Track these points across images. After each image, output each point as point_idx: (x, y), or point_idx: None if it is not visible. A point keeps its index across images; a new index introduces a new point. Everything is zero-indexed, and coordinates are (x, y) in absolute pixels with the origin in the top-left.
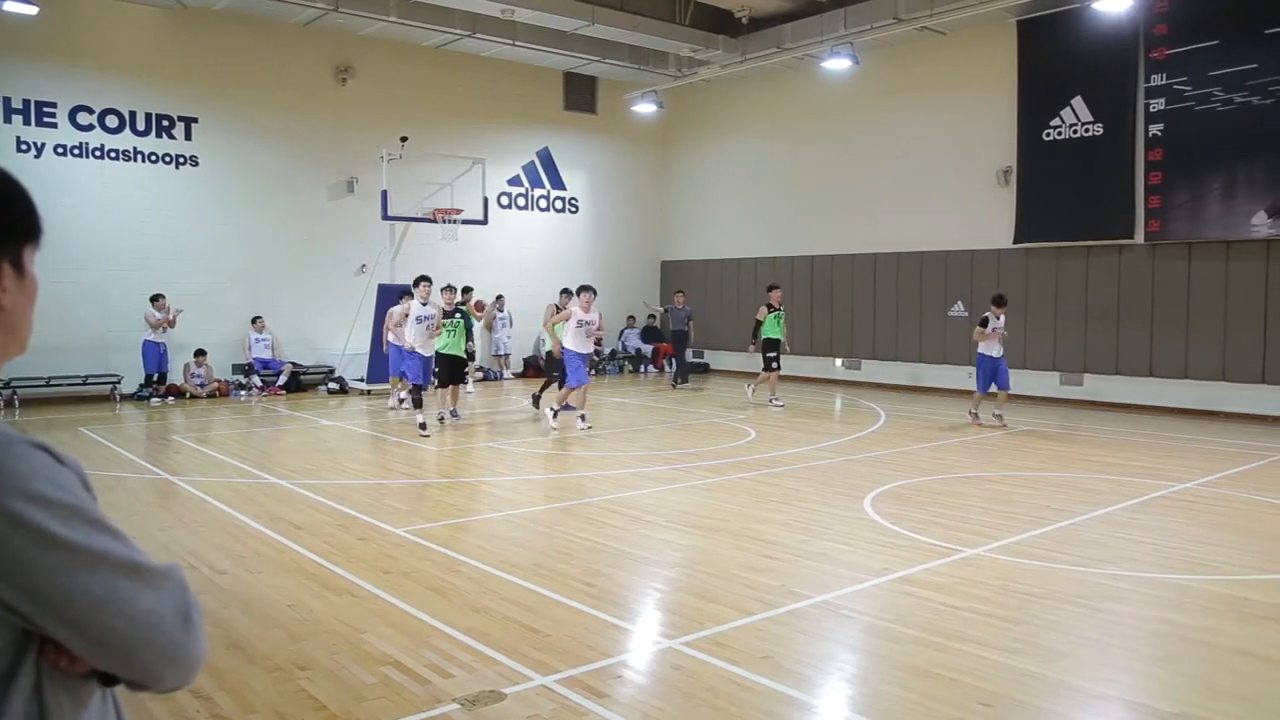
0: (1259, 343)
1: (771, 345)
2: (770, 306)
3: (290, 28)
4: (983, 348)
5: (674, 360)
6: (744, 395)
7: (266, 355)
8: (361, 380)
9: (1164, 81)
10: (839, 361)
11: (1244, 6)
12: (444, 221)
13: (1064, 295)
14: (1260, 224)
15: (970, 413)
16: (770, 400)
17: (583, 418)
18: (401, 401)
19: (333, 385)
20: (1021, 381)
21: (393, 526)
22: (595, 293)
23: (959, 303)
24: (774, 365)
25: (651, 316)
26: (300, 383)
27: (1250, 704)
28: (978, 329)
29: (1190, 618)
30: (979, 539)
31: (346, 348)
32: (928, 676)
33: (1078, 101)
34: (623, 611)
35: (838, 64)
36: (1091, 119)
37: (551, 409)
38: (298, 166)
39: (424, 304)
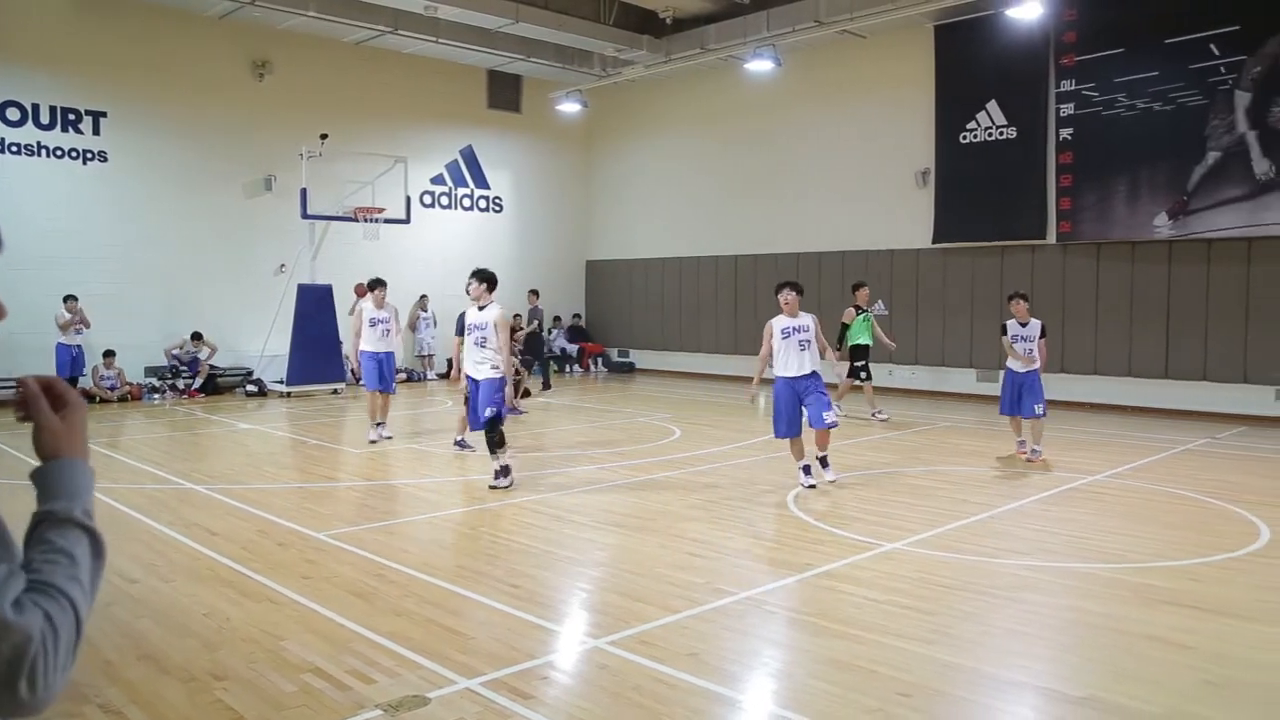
0: (1162, 340)
1: (861, 352)
2: (858, 307)
3: (205, 20)
4: (1009, 360)
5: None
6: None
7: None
8: (281, 382)
9: (1073, 87)
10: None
11: (1146, 17)
12: (365, 220)
13: (980, 294)
14: (1162, 225)
15: (1019, 444)
16: (874, 414)
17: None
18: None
19: (251, 388)
20: (940, 378)
21: (314, 531)
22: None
23: (879, 301)
24: (864, 375)
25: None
26: (217, 385)
27: (1155, 686)
28: (1002, 339)
29: (1098, 605)
30: (899, 533)
31: (265, 349)
32: (849, 669)
33: (992, 105)
34: (548, 612)
35: (760, 65)
36: (1006, 122)
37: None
38: (213, 163)
39: (379, 307)
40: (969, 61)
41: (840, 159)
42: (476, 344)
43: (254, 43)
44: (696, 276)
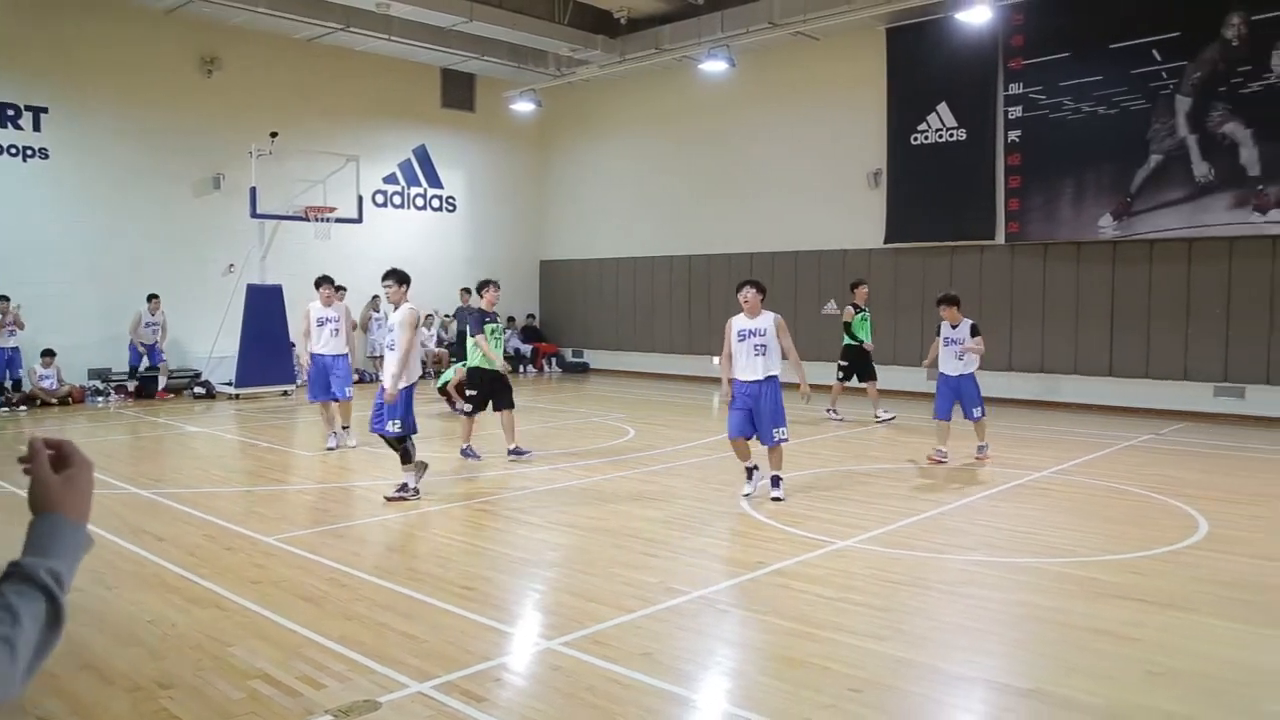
0: (1106, 338)
1: (862, 352)
2: (856, 306)
3: (151, 15)
4: (940, 364)
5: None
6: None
7: (155, 340)
8: (230, 384)
9: (1021, 90)
10: (715, 360)
11: (1090, 22)
12: (317, 220)
13: (931, 294)
14: (1106, 226)
15: (939, 451)
16: (877, 415)
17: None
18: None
19: (199, 389)
20: (891, 377)
21: (262, 535)
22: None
23: (831, 301)
24: (840, 375)
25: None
26: (166, 387)
27: (1101, 679)
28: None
29: (1045, 599)
30: (851, 530)
31: (214, 350)
32: (802, 666)
33: (943, 107)
34: (501, 614)
35: (714, 66)
36: (956, 124)
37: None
38: (160, 161)
39: (327, 305)
40: (920, 64)
41: (794, 159)
42: (388, 347)
43: (202, 38)
44: (651, 276)
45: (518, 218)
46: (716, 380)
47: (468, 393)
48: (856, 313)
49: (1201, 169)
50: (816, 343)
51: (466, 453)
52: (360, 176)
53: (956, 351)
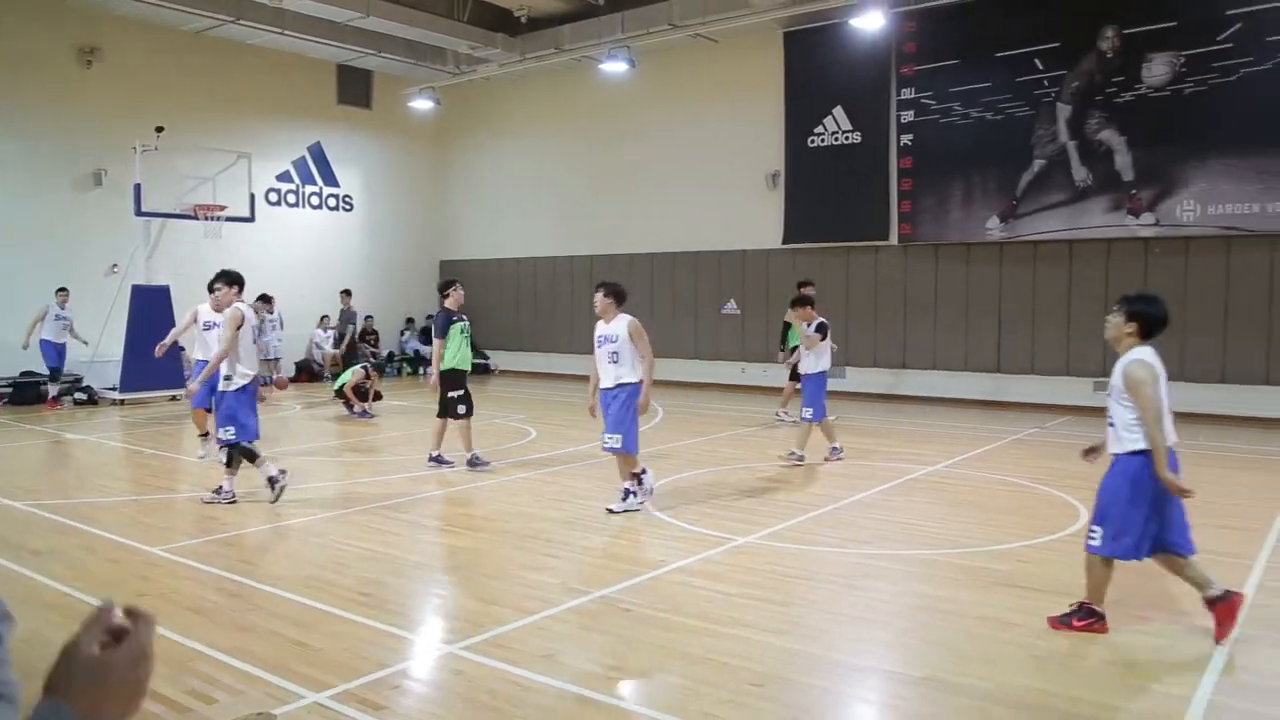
0: (994, 336)
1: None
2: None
3: (25, 3)
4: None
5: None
6: (776, 420)
7: (64, 339)
8: (114, 389)
9: (913, 95)
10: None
11: (978, 31)
12: (206, 219)
13: (828, 294)
14: (994, 228)
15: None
16: (778, 413)
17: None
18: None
19: (80, 395)
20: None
21: (148, 545)
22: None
23: (730, 300)
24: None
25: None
26: (41, 392)
27: (990, 664)
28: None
29: (937, 589)
30: (750, 527)
31: (96, 354)
32: (702, 662)
33: (838, 111)
34: (400, 620)
35: (615, 67)
36: (851, 128)
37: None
38: (35, 156)
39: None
40: (816, 68)
41: (694, 160)
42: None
43: (80, 27)
44: (553, 277)
45: (416, 217)
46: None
47: (452, 394)
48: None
49: (1081, 174)
50: (716, 343)
51: (474, 461)
52: (253, 174)
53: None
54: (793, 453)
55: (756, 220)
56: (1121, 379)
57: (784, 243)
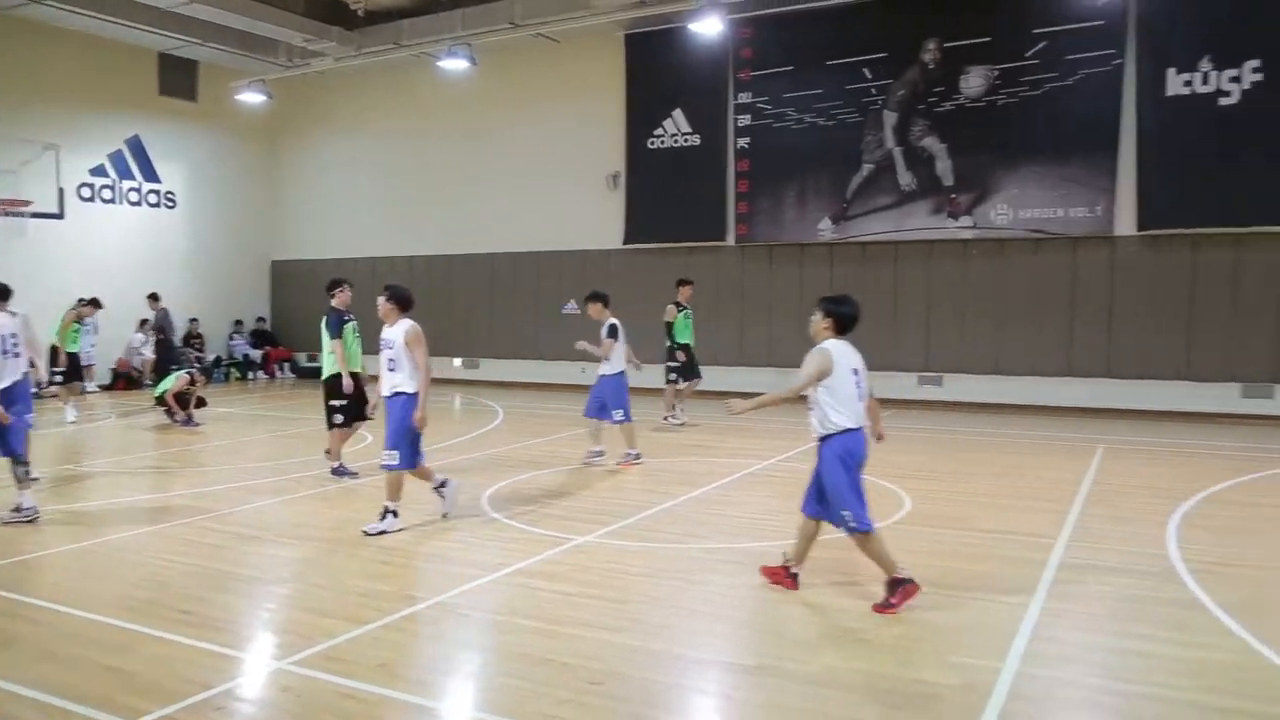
0: None
1: (683, 352)
2: (679, 304)
3: None
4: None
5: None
6: (669, 422)
7: None
8: None
9: (749, 100)
10: (457, 361)
11: (811, 39)
12: (8, 214)
13: (669, 294)
14: (825, 229)
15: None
16: (666, 417)
17: None
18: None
19: None
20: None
21: None
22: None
23: (571, 301)
24: (672, 376)
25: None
26: None
27: (819, 649)
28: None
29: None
30: (590, 526)
31: None
32: (542, 664)
33: (678, 114)
34: (226, 637)
35: (455, 64)
36: (690, 130)
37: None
38: None
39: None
40: (656, 70)
41: (536, 160)
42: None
43: None
44: (391, 278)
45: (246, 215)
46: (458, 383)
47: (334, 402)
48: (679, 311)
49: (906, 178)
50: (556, 343)
51: (340, 471)
52: (62, 167)
53: (599, 352)
54: (628, 453)
55: (598, 220)
56: (807, 360)
57: (625, 243)
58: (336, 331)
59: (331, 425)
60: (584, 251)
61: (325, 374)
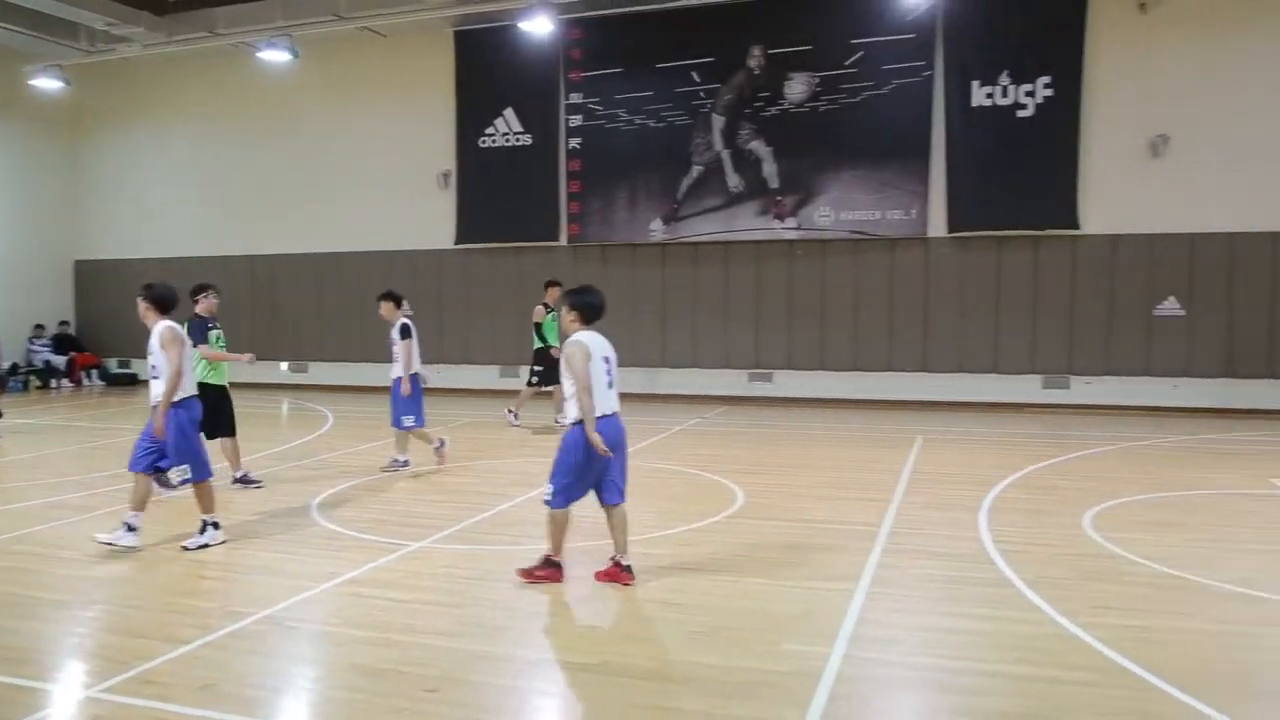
0: (659, 333)
1: (544, 355)
2: (547, 305)
3: None
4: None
5: None
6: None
7: None
8: None
9: (581, 100)
10: (284, 365)
11: (641, 42)
12: None
13: (501, 294)
14: (657, 230)
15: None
16: (509, 410)
17: None
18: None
19: None
20: (465, 376)
21: None
22: None
23: (404, 302)
24: (533, 379)
25: None
26: None
27: (652, 644)
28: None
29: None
30: (425, 531)
31: None
32: (375, 674)
33: (509, 112)
34: (28, 669)
35: (276, 55)
36: (522, 129)
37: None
38: None
39: None
40: (487, 68)
41: (363, 157)
42: None
43: None
44: (209, 278)
45: (43, 212)
46: (285, 387)
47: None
48: (547, 312)
49: (734, 180)
50: (386, 346)
51: (246, 480)
52: None
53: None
54: (395, 460)
55: (428, 220)
56: (563, 357)
57: (456, 243)
58: (201, 338)
59: (210, 434)
60: (414, 252)
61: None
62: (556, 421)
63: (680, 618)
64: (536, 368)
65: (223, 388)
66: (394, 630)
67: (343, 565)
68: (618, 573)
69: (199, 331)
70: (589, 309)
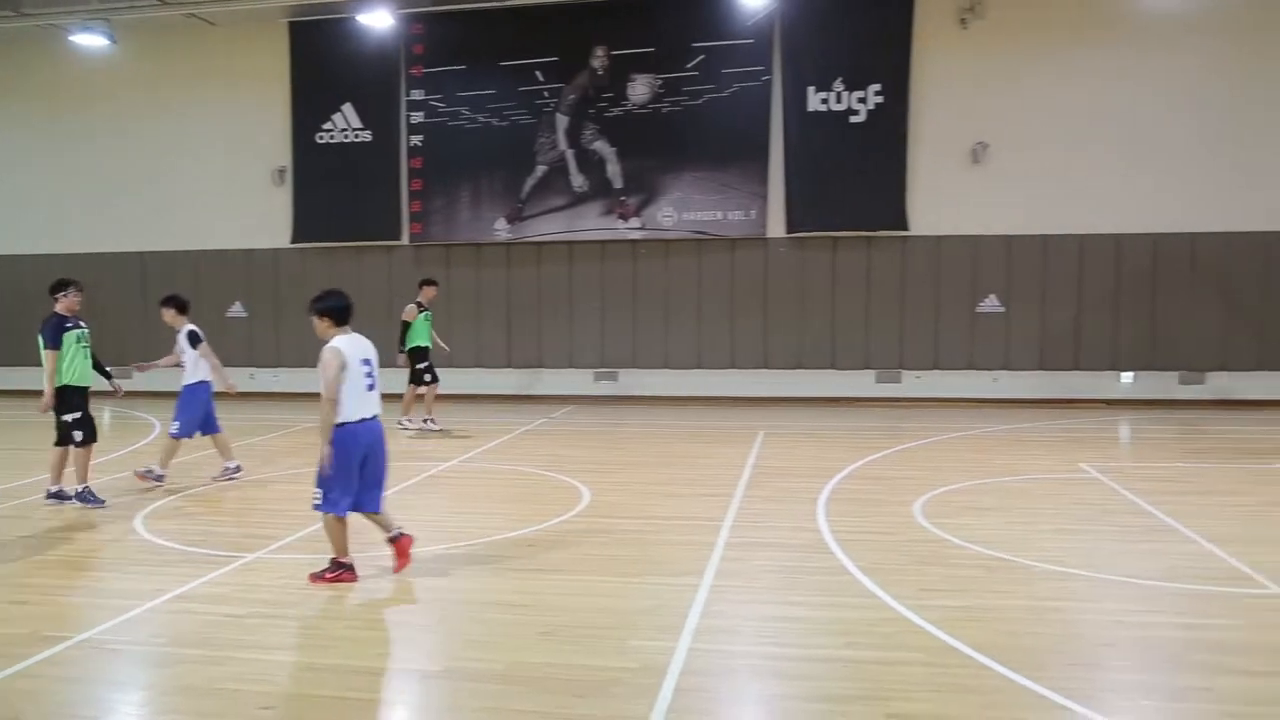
0: (504, 333)
1: (421, 354)
2: (420, 305)
3: None
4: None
5: None
6: (398, 427)
7: None
8: None
9: (423, 97)
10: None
11: (483, 39)
12: None
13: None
14: (501, 229)
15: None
16: (425, 420)
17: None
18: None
19: None
20: (306, 380)
21: None
22: None
23: (236, 303)
24: (427, 378)
25: None
26: None
27: (498, 647)
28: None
29: (455, 582)
30: (259, 542)
31: None
32: (207, 694)
33: (348, 108)
34: None
35: (92, 41)
36: (361, 125)
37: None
38: None
39: None
40: (324, 62)
41: (193, 151)
42: None
43: None
44: (15, 276)
45: None
46: (110, 395)
47: (68, 418)
48: (420, 312)
49: (578, 180)
50: (221, 348)
51: (85, 497)
52: None
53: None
54: (149, 470)
55: (263, 218)
56: (320, 364)
57: (293, 241)
58: (53, 341)
59: (70, 442)
60: (249, 250)
61: (58, 383)
62: (425, 422)
63: (527, 619)
64: (419, 366)
65: (83, 390)
66: (226, 647)
67: (170, 581)
68: (405, 545)
69: (53, 333)
70: (337, 312)
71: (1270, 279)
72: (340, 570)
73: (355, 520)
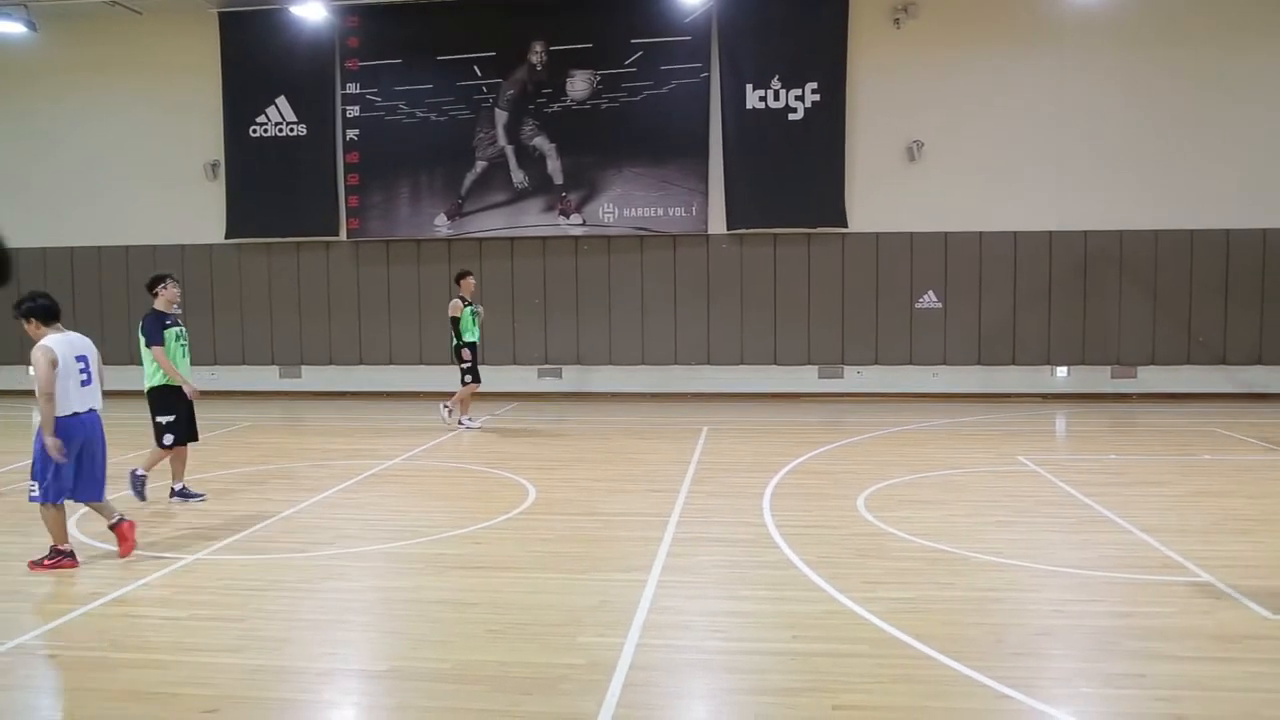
0: (445, 330)
1: (471, 350)
2: (464, 299)
3: None
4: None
5: None
6: (441, 420)
7: None
8: None
9: (358, 91)
10: (32, 370)
11: (420, 33)
12: None
13: (277, 289)
14: (442, 225)
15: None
16: (463, 420)
17: None
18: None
19: None
20: (243, 377)
21: None
22: None
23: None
24: (467, 379)
25: None
26: None
27: (447, 645)
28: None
29: (398, 580)
30: (200, 543)
31: None
32: (147, 698)
33: (282, 101)
34: None
35: (9, 28)
36: (296, 119)
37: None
38: None
39: None
40: (256, 54)
41: (120, 145)
42: None
43: None
44: None
45: None
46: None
47: (160, 420)
48: (465, 306)
49: (519, 176)
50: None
51: (186, 494)
52: None
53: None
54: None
55: (195, 213)
56: (31, 363)
57: (227, 237)
58: (155, 338)
59: (161, 445)
60: (181, 246)
61: (147, 385)
62: (461, 424)
63: (474, 617)
64: (464, 364)
65: (178, 389)
66: (167, 650)
67: (107, 585)
68: (126, 530)
69: (155, 327)
70: (43, 311)
71: (1195, 276)
72: (60, 557)
73: (304, 521)
